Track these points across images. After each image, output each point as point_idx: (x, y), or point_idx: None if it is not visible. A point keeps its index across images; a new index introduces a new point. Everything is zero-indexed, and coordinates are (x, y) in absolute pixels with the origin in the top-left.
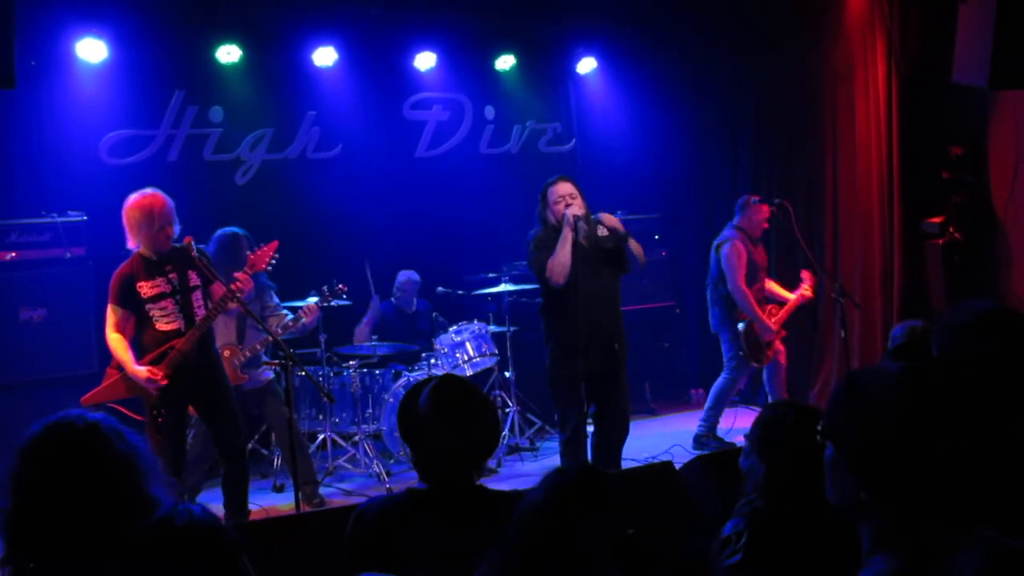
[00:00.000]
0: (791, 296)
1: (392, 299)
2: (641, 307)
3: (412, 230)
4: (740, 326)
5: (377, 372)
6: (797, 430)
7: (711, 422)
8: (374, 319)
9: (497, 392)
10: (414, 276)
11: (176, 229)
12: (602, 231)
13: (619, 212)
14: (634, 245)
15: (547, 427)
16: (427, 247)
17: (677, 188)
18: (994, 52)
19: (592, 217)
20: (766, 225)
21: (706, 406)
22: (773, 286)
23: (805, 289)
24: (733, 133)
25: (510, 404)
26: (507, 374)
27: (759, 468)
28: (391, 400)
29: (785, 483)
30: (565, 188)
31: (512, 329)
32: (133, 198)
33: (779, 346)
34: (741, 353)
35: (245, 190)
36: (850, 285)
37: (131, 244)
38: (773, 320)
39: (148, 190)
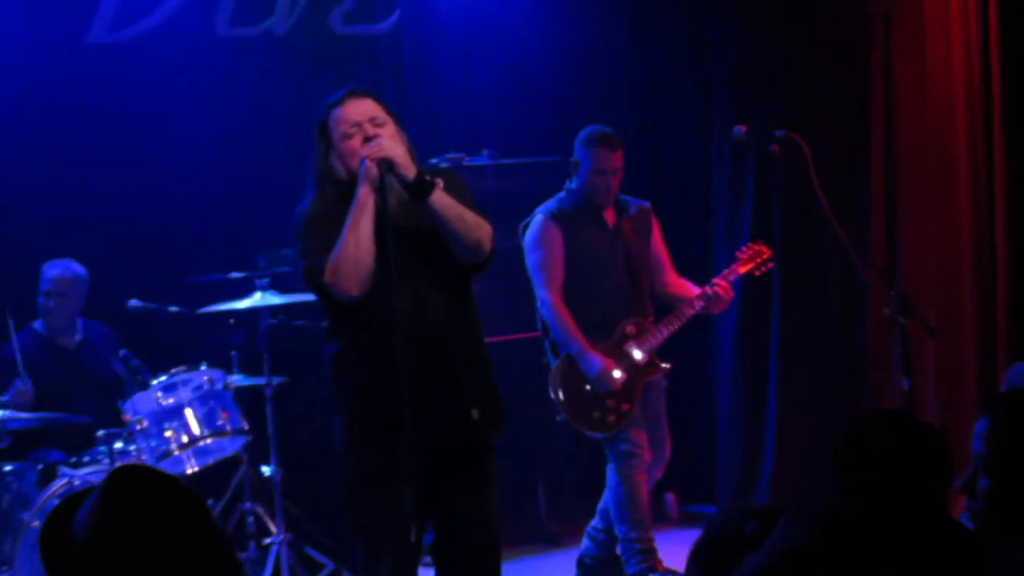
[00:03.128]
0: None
1: (36, 323)
2: (524, 337)
3: (78, 187)
4: (552, 363)
5: (8, 469)
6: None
7: (640, 550)
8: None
9: (247, 505)
10: (73, 270)
11: None
12: (439, 191)
13: (484, 153)
14: (445, 203)
15: (343, 571)
16: (108, 221)
17: (601, 115)
18: None
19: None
20: (608, 182)
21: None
22: (683, 285)
23: (719, 283)
24: (699, 22)
25: (273, 530)
26: (265, 470)
27: None
28: (35, 525)
29: None
30: (359, 110)
31: (276, 381)
32: None
33: (656, 376)
34: (560, 418)
35: None
36: (919, 292)
37: None
38: (635, 345)
39: None
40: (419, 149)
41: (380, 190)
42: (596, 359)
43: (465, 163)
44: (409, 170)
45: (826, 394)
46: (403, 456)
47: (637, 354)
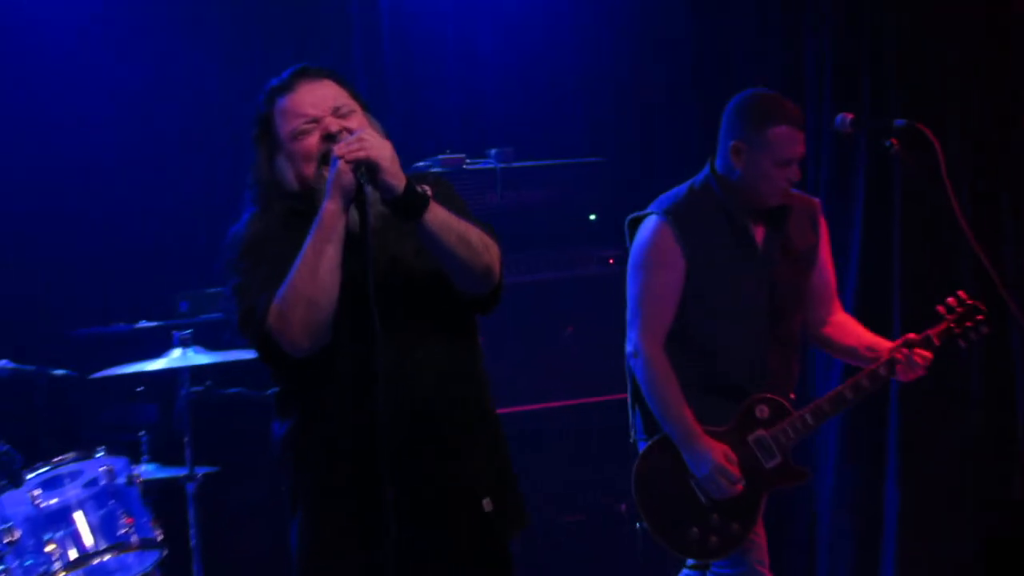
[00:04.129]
0: (880, 349)
1: None
2: (560, 405)
3: None
4: (640, 445)
5: None
6: None
7: None
8: None
9: None
10: None
11: None
12: (434, 206)
13: (491, 154)
14: (444, 222)
15: None
16: None
17: (650, 101)
18: None
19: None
20: (791, 178)
21: None
22: (848, 328)
23: (916, 346)
24: None
25: None
26: None
27: None
28: None
29: None
30: (315, 96)
31: (203, 472)
32: None
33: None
34: (642, 526)
35: None
36: None
37: None
38: (766, 436)
39: None
40: (402, 149)
41: (358, 206)
42: (709, 452)
43: (466, 167)
44: (398, 179)
45: (965, 473)
46: (385, 572)
47: (767, 453)
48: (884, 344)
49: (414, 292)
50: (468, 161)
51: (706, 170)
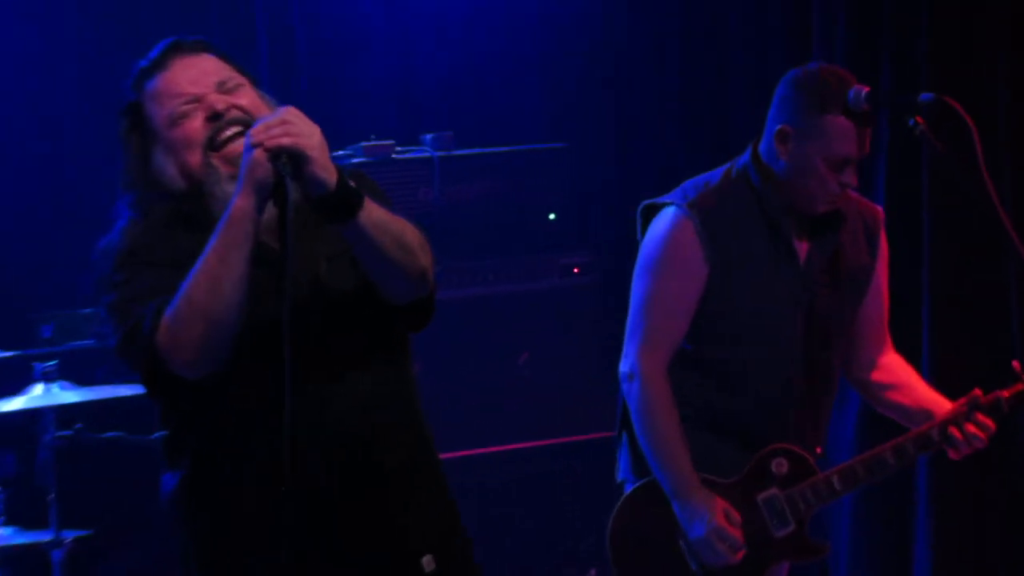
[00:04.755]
0: (936, 411)
1: None
2: (511, 449)
3: None
4: (627, 487)
5: None
6: None
7: None
8: None
9: None
10: None
11: None
12: (369, 204)
13: (426, 140)
14: (380, 222)
15: None
16: None
17: (625, 76)
18: None
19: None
20: (844, 182)
21: None
22: (900, 377)
23: (980, 410)
24: None
25: None
26: None
27: None
28: None
29: None
30: (193, 72)
31: (72, 536)
32: None
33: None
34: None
35: None
36: None
37: None
38: (780, 497)
39: None
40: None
41: (278, 203)
42: (707, 509)
43: (395, 156)
44: (328, 171)
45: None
46: None
47: (779, 518)
48: (942, 404)
49: (332, 304)
50: (398, 149)
51: (747, 155)
